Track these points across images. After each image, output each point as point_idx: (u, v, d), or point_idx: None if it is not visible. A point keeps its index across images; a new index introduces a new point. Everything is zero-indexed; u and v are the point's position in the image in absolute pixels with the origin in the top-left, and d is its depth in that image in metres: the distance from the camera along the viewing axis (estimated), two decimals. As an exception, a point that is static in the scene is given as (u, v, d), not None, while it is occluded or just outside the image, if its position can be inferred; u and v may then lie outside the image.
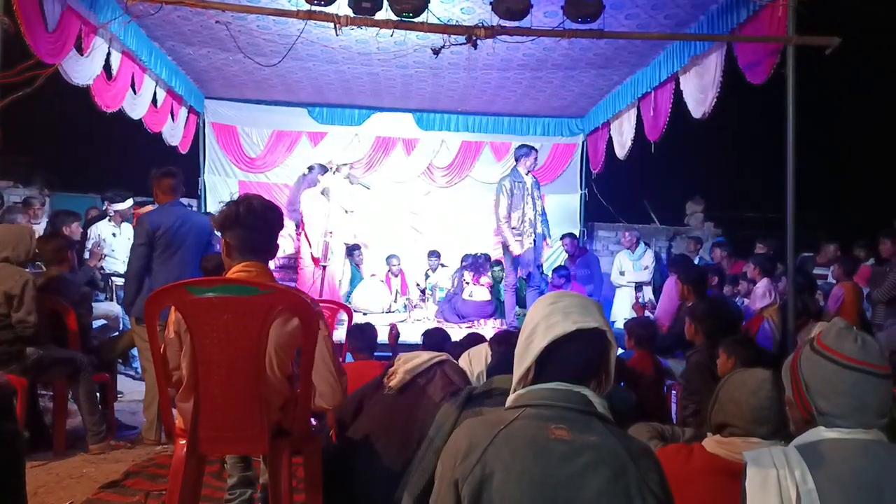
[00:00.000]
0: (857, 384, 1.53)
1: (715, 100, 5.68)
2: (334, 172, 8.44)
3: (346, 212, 8.03)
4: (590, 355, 1.54)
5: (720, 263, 7.86)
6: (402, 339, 5.38)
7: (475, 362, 3.06)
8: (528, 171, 7.51)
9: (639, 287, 8.44)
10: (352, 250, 9.14)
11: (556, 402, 1.49)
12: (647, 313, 6.56)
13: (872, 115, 13.15)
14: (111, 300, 6.63)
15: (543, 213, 7.69)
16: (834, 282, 6.96)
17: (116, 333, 5.82)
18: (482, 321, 8.05)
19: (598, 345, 1.55)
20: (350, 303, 8.11)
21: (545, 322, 1.55)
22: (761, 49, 4.96)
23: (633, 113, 7.68)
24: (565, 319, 1.53)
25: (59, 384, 4.36)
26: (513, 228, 7.34)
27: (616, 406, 1.72)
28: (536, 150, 7.73)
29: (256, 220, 2.51)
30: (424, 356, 2.93)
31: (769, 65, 4.83)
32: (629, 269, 8.57)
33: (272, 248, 2.63)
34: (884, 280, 5.96)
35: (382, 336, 4.60)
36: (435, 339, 4.36)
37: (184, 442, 2.47)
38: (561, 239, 9.21)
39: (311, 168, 8.84)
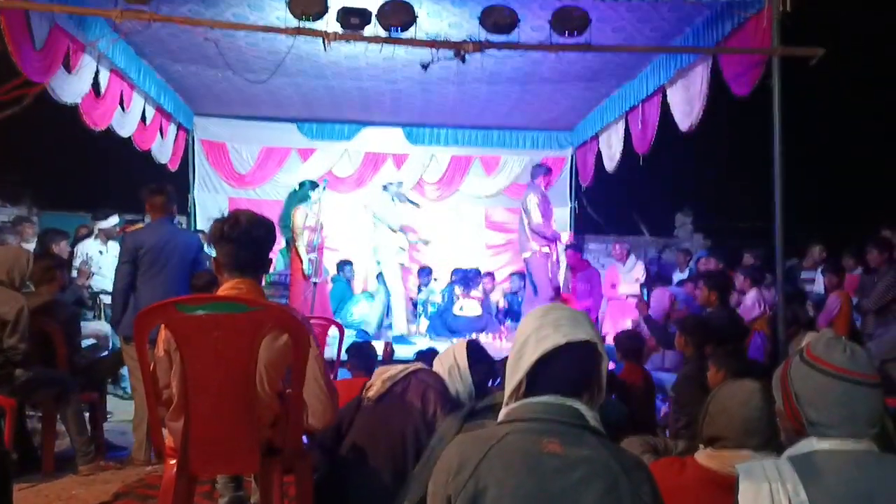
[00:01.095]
0: (846, 394, 1.53)
1: (701, 112, 5.72)
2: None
3: (394, 231, 7.97)
4: (581, 368, 1.54)
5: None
6: (397, 355, 5.36)
7: (444, 362, 3.06)
8: (546, 190, 7.63)
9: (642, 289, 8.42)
10: (342, 266, 9.12)
11: (549, 416, 1.48)
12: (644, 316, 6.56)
13: (858, 125, 13.28)
14: (100, 318, 6.58)
15: None
16: (821, 289, 7.00)
17: (106, 353, 5.78)
18: (474, 336, 8.03)
19: (588, 357, 1.55)
20: (341, 319, 8.08)
21: (536, 335, 1.55)
22: (746, 61, 5.00)
23: (621, 125, 7.72)
24: (556, 332, 1.53)
25: (47, 405, 4.32)
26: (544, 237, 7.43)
27: (609, 419, 1.71)
28: (551, 170, 8.00)
29: (242, 236, 2.48)
30: (400, 366, 3.00)
31: (754, 76, 4.87)
32: (620, 281, 8.58)
33: (262, 265, 2.60)
34: (873, 289, 6.00)
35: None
36: (429, 359, 4.36)
37: (174, 462, 2.45)
38: (565, 250, 9.18)
39: (301, 184, 8.81)
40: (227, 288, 2.49)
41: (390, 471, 2.72)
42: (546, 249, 7.45)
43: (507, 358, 3.08)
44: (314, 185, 8.11)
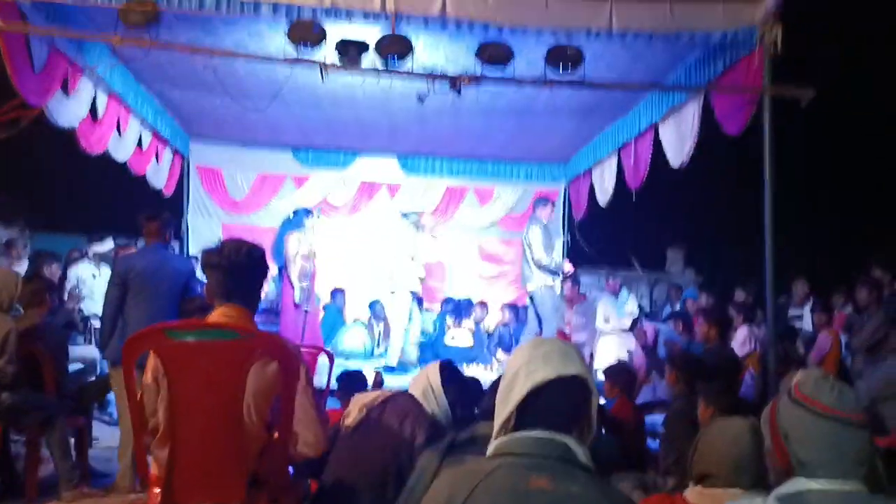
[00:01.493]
0: (835, 433, 1.53)
1: (692, 149, 5.78)
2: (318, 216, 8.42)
3: (412, 259, 7.95)
4: (571, 403, 1.53)
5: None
6: (387, 384, 5.34)
7: (419, 384, 3.09)
8: (545, 222, 7.59)
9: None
10: (334, 294, 9.10)
11: (537, 452, 1.47)
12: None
13: (848, 164, 13.45)
14: (89, 343, 6.53)
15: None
16: (809, 326, 7.03)
17: (93, 377, 5.73)
18: (465, 366, 7.99)
19: (578, 392, 1.54)
20: (332, 347, 8.04)
21: (525, 369, 1.54)
22: (738, 100, 5.08)
23: (614, 160, 7.78)
24: (546, 366, 1.52)
25: (31, 430, 4.26)
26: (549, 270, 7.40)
27: (599, 456, 1.70)
28: (553, 203, 8.00)
29: (230, 265, 2.47)
30: (376, 392, 3.05)
31: (746, 115, 4.94)
32: (613, 315, 8.57)
33: (252, 293, 2.57)
34: (862, 328, 6.01)
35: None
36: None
37: (158, 490, 2.41)
38: (562, 282, 9.16)
39: (296, 212, 8.82)
40: (217, 315, 2.48)
41: (372, 495, 2.71)
42: (551, 282, 7.42)
43: (487, 386, 3.07)
44: (308, 212, 8.13)
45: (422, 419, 2.88)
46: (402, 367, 7.60)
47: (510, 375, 1.57)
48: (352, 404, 3.00)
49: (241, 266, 2.49)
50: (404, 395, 3.05)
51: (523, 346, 1.63)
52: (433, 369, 3.10)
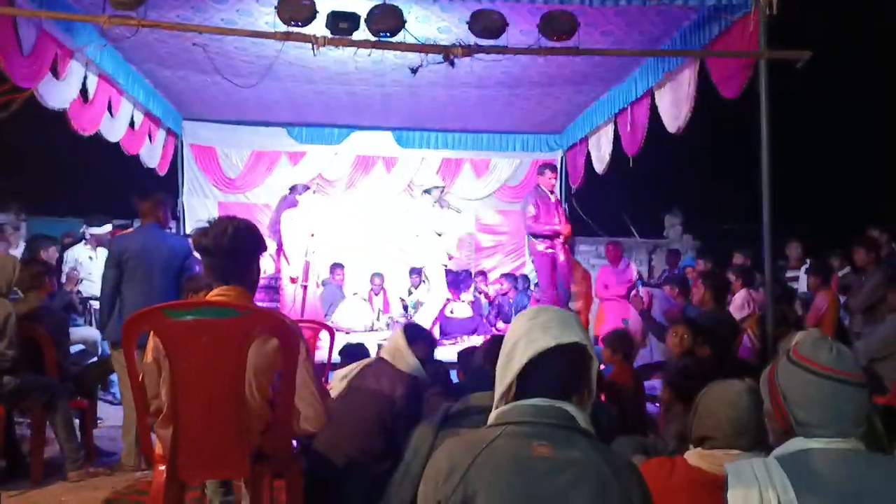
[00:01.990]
0: (833, 393, 1.55)
1: (689, 114, 5.75)
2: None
3: (438, 235, 7.90)
4: (571, 370, 1.54)
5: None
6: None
7: (388, 349, 3.34)
8: (552, 189, 7.44)
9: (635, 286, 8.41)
10: (333, 269, 9.11)
11: (538, 419, 1.48)
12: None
13: (845, 126, 13.40)
14: (90, 324, 6.55)
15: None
16: (805, 287, 7.05)
17: (95, 359, 5.75)
18: (465, 338, 8.03)
19: (578, 359, 1.55)
20: (332, 322, 8.06)
21: (525, 338, 1.55)
22: (733, 64, 5.04)
23: (610, 128, 7.74)
24: (545, 335, 1.53)
25: (36, 412, 4.30)
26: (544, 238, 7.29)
27: (599, 421, 1.72)
28: (555, 169, 7.81)
29: (218, 248, 2.44)
30: (353, 364, 3.30)
31: (742, 79, 4.91)
32: (613, 282, 8.58)
33: (246, 273, 2.55)
34: (860, 288, 6.04)
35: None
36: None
37: (163, 468, 2.44)
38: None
39: (292, 188, 8.80)
40: (214, 294, 2.49)
41: (359, 447, 2.91)
42: (550, 250, 7.34)
43: (475, 349, 3.13)
44: (305, 188, 8.09)
45: (396, 374, 3.13)
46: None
47: (510, 345, 1.58)
48: (333, 379, 3.16)
49: (228, 249, 2.46)
50: (377, 360, 3.32)
51: (522, 315, 1.63)
52: (398, 331, 3.40)
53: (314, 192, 8.23)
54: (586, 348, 1.55)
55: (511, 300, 8.82)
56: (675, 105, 5.97)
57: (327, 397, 2.58)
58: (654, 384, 4.98)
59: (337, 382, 3.18)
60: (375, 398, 3.02)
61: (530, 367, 1.52)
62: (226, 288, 2.47)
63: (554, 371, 1.53)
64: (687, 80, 5.71)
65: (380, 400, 3.02)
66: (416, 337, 3.36)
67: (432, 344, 3.57)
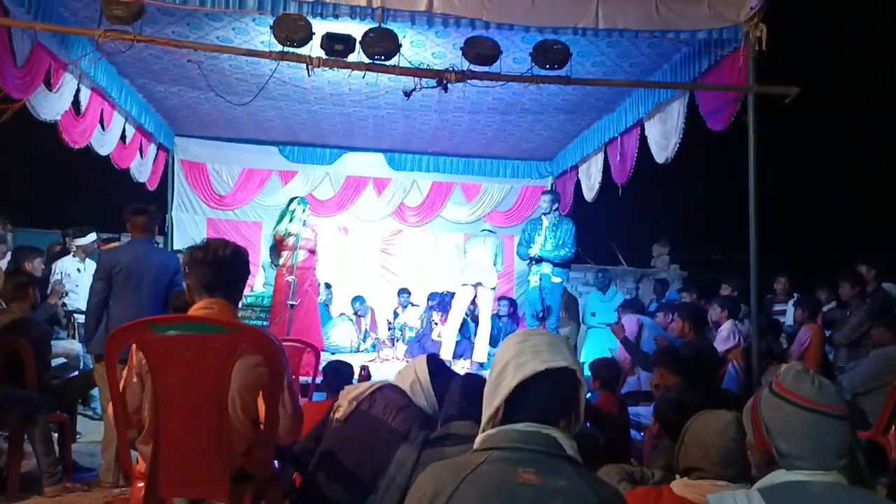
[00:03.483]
0: (815, 425, 1.55)
1: (678, 145, 5.82)
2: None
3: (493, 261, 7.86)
4: (559, 395, 1.53)
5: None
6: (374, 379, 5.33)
7: (406, 377, 3.07)
8: (545, 213, 7.36)
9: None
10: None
11: (525, 445, 1.46)
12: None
13: (833, 161, 13.58)
14: (73, 337, 6.47)
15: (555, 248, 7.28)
16: (791, 321, 7.09)
17: (76, 373, 5.68)
18: (453, 361, 7.99)
19: (567, 384, 1.54)
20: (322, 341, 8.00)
21: (514, 361, 1.53)
22: (722, 97, 5.12)
23: (600, 157, 7.82)
24: (535, 358, 1.52)
25: (14, 425, 4.23)
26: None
27: (584, 448, 1.71)
28: (553, 193, 7.86)
29: (211, 259, 2.49)
30: (365, 385, 3.02)
31: (730, 113, 4.99)
32: (600, 310, 8.61)
33: (234, 288, 2.58)
34: (845, 323, 6.08)
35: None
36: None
37: (142, 485, 2.41)
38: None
39: (290, 200, 8.64)
40: (198, 307, 2.48)
41: (362, 487, 2.70)
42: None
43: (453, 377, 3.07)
44: (302, 201, 7.95)
45: (412, 412, 2.89)
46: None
47: (499, 368, 1.56)
48: (341, 397, 2.99)
49: (227, 262, 2.50)
50: (393, 387, 3.04)
51: (512, 338, 1.62)
52: (420, 362, 3.10)
53: (305, 209, 8.08)
54: (575, 373, 1.54)
55: (501, 324, 8.80)
56: (664, 136, 6.04)
57: (300, 413, 2.53)
58: (640, 411, 4.98)
59: (346, 403, 2.94)
60: (386, 439, 2.77)
61: (519, 390, 1.51)
62: (210, 301, 2.47)
63: (542, 396, 1.51)
64: (676, 111, 5.79)
65: (392, 441, 2.74)
66: (439, 371, 3.09)
67: (449, 381, 3.20)
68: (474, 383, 2.60)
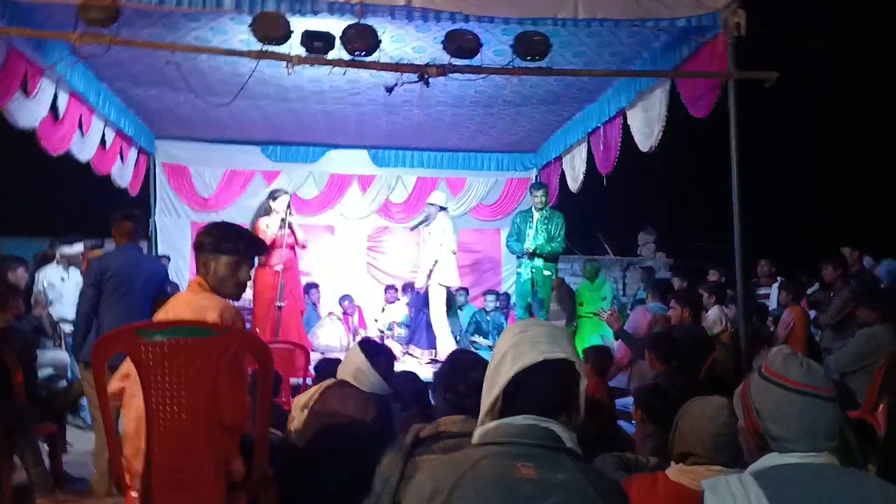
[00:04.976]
0: (805, 408, 1.57)
1: (661, 133, 5.84)
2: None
3: (454, 253, 7.76)
4: (558, 387, 1.51)
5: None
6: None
7: (347, 368, 3.13)
8: (538, 207, 7.32)
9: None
10: (308, 289, 9.03)
11: (523, 440, 1.45)
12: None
13: (812, 144, 13.70)
14: (60, 347, 6.40)
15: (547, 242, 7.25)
16: (775, 304, 7.16)
17: (65, 382, 5.63)
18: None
19: (566, 376, 1.52)
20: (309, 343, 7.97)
21: (513, 352, 1.52)
22: (703, 84, 5.13)
23: (584, 147, 7.83)
24: (533, 349, 1.50)
25: (2, 437, 4.18)
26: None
27: (582, 440, 1.70)
28: (544, 186, 7.70)
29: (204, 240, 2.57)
30: (311, 390, 3.08)
31: (711, 99, 5.00)
32: (588, 299, 8.63)
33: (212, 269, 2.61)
34: (829, 304, 6.14)
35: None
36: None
37: (136, 495, 2.39)
38: None
39: (271, 194, 8.50)
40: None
41: (342, 487, 2.68)
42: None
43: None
44: (284, 192, 7.80)
45: (362, 396, 2.97)
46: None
47: (498, 358, 1.55)
48: (293, 408, 3.02)
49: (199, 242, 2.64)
50: (338, 382, 3.09)
51: (512, 328, 1.60)
52: (354, 351, 3.17)
53: (288, 206, 7.96)
54: (574, 365, 1.52)
55: (489, 317, 8.82)
56: (646, 124, 6.06)
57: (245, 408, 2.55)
58: (628, 402, 5.01)
59: (298, 413, 2.98)
60: (346, 424, 2.86)
61: (517, 381, 1.49)
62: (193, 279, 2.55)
63: (540, 388, 1.49)
64: (658, 100, 5.80)
65: (352, 426, 2.86)
66: (376, 352, 3.17)
67: (391, 358, 3.36)
68: (463, 359, 2.59)
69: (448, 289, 7.75)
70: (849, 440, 1.65)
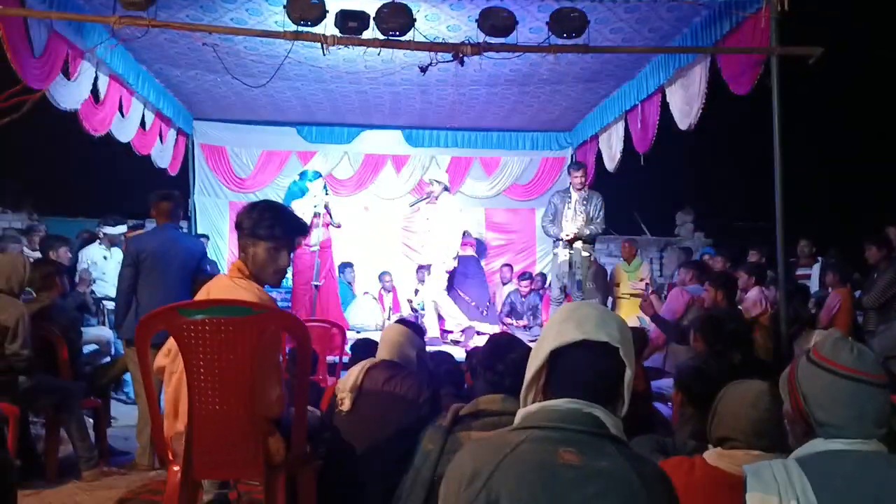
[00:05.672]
0: (854, 394, 1.53)
1: (700, 111, 5.72)
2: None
3: (464, 233, 7.80)
4: (600, 371, 1.47)
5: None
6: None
7: (387, 343, 3.20)
8: (577, 188, 7.14)
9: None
10: (343, 268, 9.11)
11: (566, 425, 1.42)
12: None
13: (858, 122, 13.31)
14: (103, 324, 6.57)
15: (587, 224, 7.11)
16: (816, 285, 7.00)
17: (108, 359, 5.77)
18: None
19: (608, 360, 1.48)
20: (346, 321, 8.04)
21: (558, 327, 1.51)
22: (745, 60, 5.01)
23: (621, 125, 7.71)
24: (577, 329, 1.48)
25: (48, 412, 4.31)
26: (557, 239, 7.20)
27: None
28: (583, 166, 7.51)
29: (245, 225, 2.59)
30: (354, 371, 3.08)
31: (753, 75, 4.88)
32: (624, 280, 8.54)
33: (251, 254, 2.61)
34: (873, 286, 5.99)
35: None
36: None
37: (178, 468, 2.44)
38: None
39: (302, 174, 8.58)
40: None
41: (387, 464, 2.75)
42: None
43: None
44: (317, 175, 7.88)
45: (412, 377, 3.01)
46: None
47: (544, 332, 1.55)
48: (338, 391, 3.03)
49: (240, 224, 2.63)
50: (383, 363, 3.12)
51: (566, 306, 1.59)
52: (395, 328, 3.24)
53: (325, 188, 8.05)
54: (618, 350, 1.48)
55: (524, 298, 8.79)
56: (686, 102, 5.94)
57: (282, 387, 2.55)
58: (661, 384, 4.96)
59: (347, 394, 2.99)
60: (399, 404, 2.89)
61: (560, 360, 1.48)
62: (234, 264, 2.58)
63: (582, 369, 1.47)
64: (698, 76, 5.69)
65: (405, 406, 2.88)
66: (419, 332, 3.26)
67: (423, 335, 3.46)
68: (502, 341, 2.61)
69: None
70: (894, 426, 1.60)
